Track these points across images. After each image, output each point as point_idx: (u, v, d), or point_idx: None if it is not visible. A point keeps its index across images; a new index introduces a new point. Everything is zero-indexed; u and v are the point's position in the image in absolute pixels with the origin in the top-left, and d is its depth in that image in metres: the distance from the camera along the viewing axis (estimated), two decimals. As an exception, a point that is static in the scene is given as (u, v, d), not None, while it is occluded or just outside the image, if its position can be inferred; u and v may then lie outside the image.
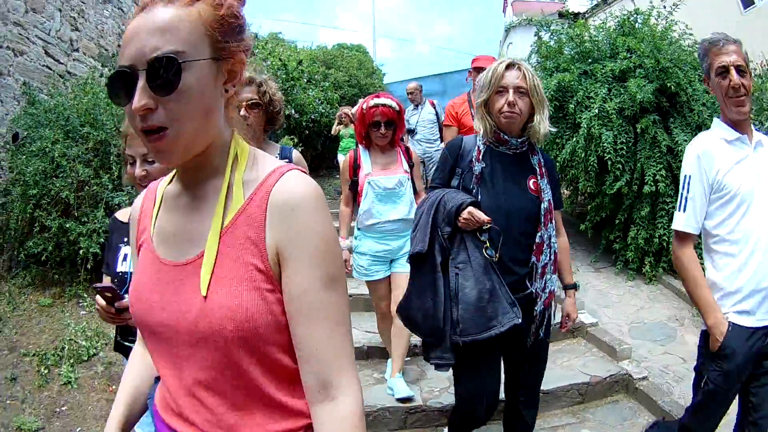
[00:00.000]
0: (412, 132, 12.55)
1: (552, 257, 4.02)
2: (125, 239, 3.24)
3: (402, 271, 5.51)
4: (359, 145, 5.98)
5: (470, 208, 3.69)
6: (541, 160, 4.08)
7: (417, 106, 13.06)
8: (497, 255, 3.71)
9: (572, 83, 8.93)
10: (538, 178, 3.99)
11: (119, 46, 9.17)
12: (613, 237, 9.05)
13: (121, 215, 3.63)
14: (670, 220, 8.16)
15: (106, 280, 3.40)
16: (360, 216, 5.72)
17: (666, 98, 8.46)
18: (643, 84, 8.08)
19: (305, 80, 16.94)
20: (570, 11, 11.73)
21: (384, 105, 5.46)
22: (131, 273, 2.72)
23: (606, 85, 8.62)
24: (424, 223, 3.92)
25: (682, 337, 7.13)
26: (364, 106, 5.57)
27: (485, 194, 3.87)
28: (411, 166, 5.85)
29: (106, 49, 12.68)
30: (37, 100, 8.91)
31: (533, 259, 3.92)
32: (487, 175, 3.92)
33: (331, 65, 22.87)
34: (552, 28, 10.64)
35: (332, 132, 15.93)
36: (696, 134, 8.09)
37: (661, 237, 8.27)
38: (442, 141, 11.88)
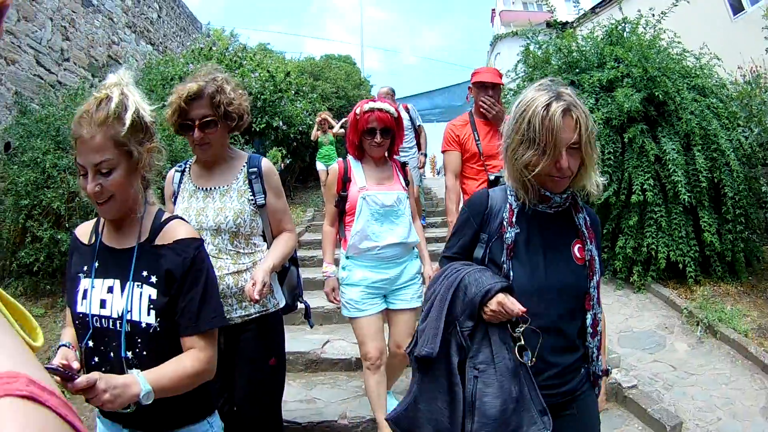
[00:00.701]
0: None
1: (600, 340, 3.09)
2: (85, 267, 2.74)
3: (403, 307, 4.96)
4: (349, 156, 5.16)
5: (500, 297, 2.68)
6: (587, 218, 3.09)
7: None
8: (534, 359, 2.74)
9: (560, 93, 8.92)
10: (586, 242, 3.03)
11: (110, 56, 9.16)
12: (601, 246, 9.01)
13: (82, 233, 2.92)
14: (659, 229, 8.20)
15: (67, 334, 2.87)
16: (351, 239, 4.82)
17: (654, 107, 8.47)
18: (631, 93, 8.09)
19: (293, 92, 16.94)
20: (558, 21, 11.68)
21: (380, 110, 4.77)
22: (94, 316, 2.62)
23: (593, 95, 8.64)
24: (436, 314, 2.90)
25: (672, 345, 7.13)
26: (358, 111, 4.84)
27: (520, 270, 2.88)
28: (407, 184, 5.12)
29: (96, 60, 12.68)
30: (29, 109, 8.92)
31: (588, 342, 3.02)
32: (522, 244, 2.93)
33: (318, 77, 22.93)
34: (539, 38, 10.66)
35: (311, 137, 15.95)
36: (684, 142, 8.19)
37: (649, 246, 8.28)
38: (419, 148, 12.27)
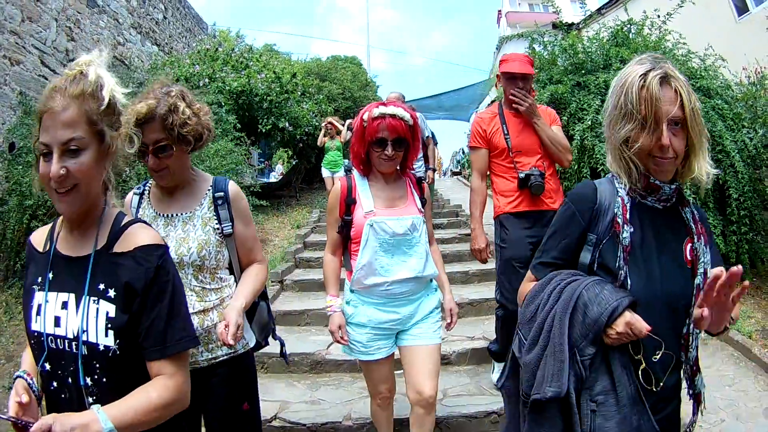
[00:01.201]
0: None
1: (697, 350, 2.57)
2: (39, 279, 2.37)
3: (420, 343, 4.15)
4: (354, 171, 4.32)
5: (627, 316, 2.22)
6: (695, 213, 2.66)
7: None
8: (662, 384, 2.39)
9: (565, 95, 8.96)
10: (695, 240, 2.56)
11: (115, 57, 9.16)
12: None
13: (37, 240, 2.57)
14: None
15: (25, 358, 2.50)
16: (356, 272, 4.02)
17: (659, 107, 8.44)
18: (636, 94, 8.04)
19: (299, 93, 16.91)
20: (564, 22, 11.70)
21: (393, 116, 3.88)
22: (48, 335, 2.26)
23: (599, 97, 8.63)
24: (558, 342, 2.36)
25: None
26: (365, 117, 3.93)
27: (635, 278, 2.42)
28: (423, 203, 4.23)
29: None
30: (33, 110, 8.93)
31: (683, 357, 2.50)
32: (637, 245, 2.47)
33: (325, 78, 22.92)
34: (545, 39, 10.66)
35: (318, 143, 15.66)
36: (689, 144, 8.20)
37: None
38: (426, 161, 11.76)
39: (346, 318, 4.20)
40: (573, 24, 17.20)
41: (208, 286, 3.40)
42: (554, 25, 14.39)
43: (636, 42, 9.26)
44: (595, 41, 9.94)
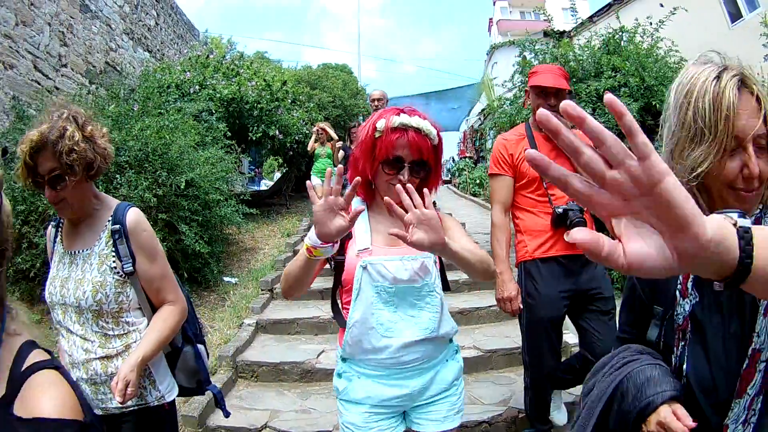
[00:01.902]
0: None
1: None
2: None
3: (435, 429, 3.05)
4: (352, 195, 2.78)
5: (662, 414, 1.82)
6: None
7: None
8: None
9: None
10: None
11: (107, 62, 9.14)
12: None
13: None
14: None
15: None
16: (348, 332, 2.94)
17: (651, 117, 8.46)
18: (628, 103, 8.06)
19: (290, 101, 16.86)
20: (555, 30, 11.70)
21: (417, 130, 2.80)
22: None
23: (590, 105, 8.62)
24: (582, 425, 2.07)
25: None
26: (380, 126, 2.82)
27: (700, 360, 1.89)
28: None
29: (93, 66, 12.67)
30: (26, 115, 8.89)
31: None
32: (701, 316, 1.92)
33: (315, 86, 22.91)
34: (536, 47, 10.66)
35: (308, 149, 15.08)
36: (681, 152, 8.18)
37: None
38: None
39: (339, 395, 3.07)
40: (564, 32, 17.24)
41: (110, 332, 3.00)
42: (545, 33, 14.40)
43: (628, 50, 9.27)
44: (586, 49, 9.95)
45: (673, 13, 9.61)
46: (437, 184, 3.08)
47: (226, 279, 9.70)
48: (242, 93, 14.55)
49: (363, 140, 2.87)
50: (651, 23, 9.79)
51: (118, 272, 2.99)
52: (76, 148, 2.83)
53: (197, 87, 14.19)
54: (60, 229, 3.23)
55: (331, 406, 5.92)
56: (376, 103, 10.26)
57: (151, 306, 3.15)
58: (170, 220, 8.15)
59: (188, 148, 9.20)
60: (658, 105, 8.14)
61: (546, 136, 4.69)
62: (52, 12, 11.28)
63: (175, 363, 3.29)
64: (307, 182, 2.53)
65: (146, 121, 9.11)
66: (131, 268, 3.01)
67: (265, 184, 28.84)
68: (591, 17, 19.20)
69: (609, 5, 19.86)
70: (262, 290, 9.30)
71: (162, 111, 10.88)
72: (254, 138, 15.09)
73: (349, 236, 2.99)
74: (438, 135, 2.93)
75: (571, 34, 15.65)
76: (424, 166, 2.85)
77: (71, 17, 11.86)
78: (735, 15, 16.71)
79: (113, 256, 3.00)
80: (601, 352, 4.00)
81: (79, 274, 2.98)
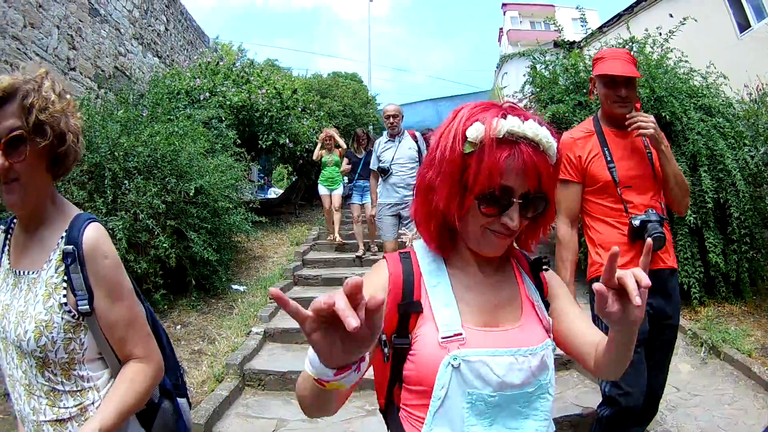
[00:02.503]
0: (385, 172, 9.30)
1: None
2: None
3: None
4: (414, 241, 2.22)
5: None
6: None
7: (394, 137, 9.33)
8: None
9: (567, 114, 8.92)
10: None
11: (116, 67, 9.14)
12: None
13: None
14: (665, 249, 8.12)
15: None
16: None
17: (661, 127, 8.40)
18: (638, 114, 8.02)
19: (300, 109, 16.89)
20: (565, 40, 11.67)
21: (533, 143, 1.76)
22: None
23: (599, 116, 8.58)
24: None
25: (675, 366, 7.04)
26: (474, 135, 1.75)
27: None
28: (547, 306, 2.07)
29: (102, 70, 12.69)
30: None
31: None
32: None
33: (325, 94, 22.93)
34: (546, 58, 10.64)
35: (314, 157, 13.98)
36: (691, 163, 8.12)
37: (654, 265, 8.14)
38: None
39: None
40: (574, 42, 17.21)
41: (60, 387, 2.19)
42: (556, 44, 14.37)
43: (638, 61, 9.24)
44: (596, 60, 9.93)
45: (683, 23, 9.58)
46: (551, 220, 2.06)
47: (235, 287, 9.69)
48: (252, 101, 14.57)
49: (443, 157, 1.85)
50: (660, 34, 9.76)
51: (70, 311, 2.15)
52: (50, 107, 2.10)
53: (207, 94, 14.22)
54: (9, 237, 2.38)
55: (338, 416, 5.84)
56: (391, 120, 9.62)
57: (116, 354, 2.27)
58: (179, 227, 8.15)
59: (198, 155, 9.23)
60: (668, 116, 8.09)
61: (618, 132, 4.08)
62: (61, 14, 11.30)
63: (151, 423, 2.40)
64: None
65: (155, 127, 9.14)
66: (87, 306, 2.15)
67: (274, 192, 28.85)
68: (601, 28, 19.16)
69: (619, 16, 19.82)
70: (270, 299, 9.23)
71: (171, 117, 10.89)
72: (264, 146, 15.11)
73: (419, 311, 1.89)
74: (558, 150, 1.87)
75: (581, 44, 15.62)
76: (542, 200, 1.84)
77: (80, 20, 11.87)
78: (743, 25, 16.64)
79: (64, 288, 2.17)
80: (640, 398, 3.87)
81: (21, 305, 2.19)
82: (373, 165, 9.83)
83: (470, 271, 1.97)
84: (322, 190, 13.69)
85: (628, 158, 4.02)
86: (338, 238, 13.12)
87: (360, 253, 12.37)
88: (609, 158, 3.97)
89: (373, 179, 10.07)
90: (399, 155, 9.49)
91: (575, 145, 4.04)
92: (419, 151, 9.43)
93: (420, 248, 2.03)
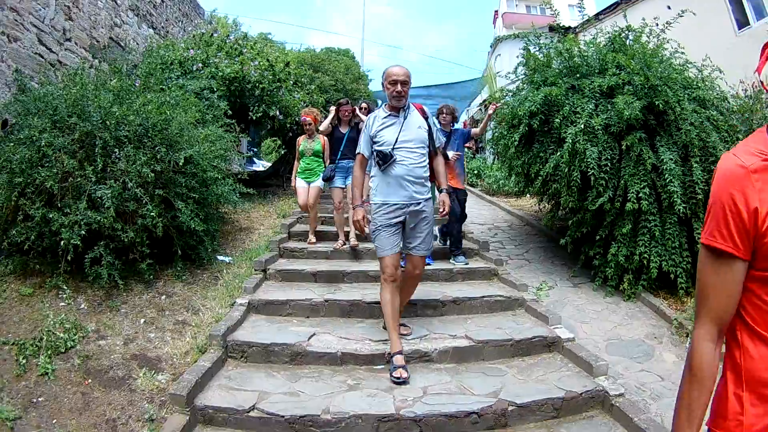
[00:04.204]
0: (385, 159, 6.62)
1: None
2: None
3: None
4: None
5: None
6: None
7: (398, 111, 7.09)
8: None
9: (559, 97, 8.94)
10: None
11: (111, 38, 9.10)
12: (593, 253, 9.08)
13: None
14: (652, 238, 8.16)
15: None
16: None
17: (654, 116, 8.45)
18: (631, 101, 8.05)
19: (291, 82, 16.78)
20: (561, 25, 11.66)
21: None
22: None
23: (593, 101, 8.64)
24: None
25: (660, 355, 7.11)
26: None
27: None
28: None
29: (97, 41, 12.63)
30: (28, 87, 8.86)
31: None
32: None
33: (318, 69, 22.94)
34: (541, 41, 10.64)
35: (321, 129, 11.57)
36: (683, 153, 8.15)
37: (641, 255, 8.24)
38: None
39: None
40: (570, 28, 17.21)
41: None
42: (551, 28, 14.38)
43: (633, 49, 9.24)
44: (591, 45, 9.94)
45: (681, 16, 9.57)
46: None
47: (220, 258, 9.68)
48: (245, 72, 14.47)
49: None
50: (657, 24, 9.76)
51: None
52: None
53: (200, 65, 14.13)
54: None
55: (320, 389, 5.91)
56: (399, 87, 6.63)
57: None
58: (167, 196, 8.09)
59: (188, 125, 9.15)
60: (661, 105, 8.11)
61: None
62: (59, -15, 11.15)
63: None
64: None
65: (148, 96, 9.04)
66: None
67: (263, 165, 28.86)
68: (597, 15, 19.20)
69: (616, 4, 19.80)
70: (255, 270, 9.26)
71: (164, 87, 10.87)
72: (254, 117, 15.02)
73: None
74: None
75: (577, 30, 15.65)
76: None
77: (77, -9, 11.82)
78: (742, 22, 16.66)
79: None
80: None
81: None
82: (364, 148, 6.91)
83: None
84: (300, 183, 11.43)
85: None
86: (310, 238, 11.33)
87: (338, 245, 10.71)
88: None
89: (359, 168, 6.97)
90: (406, 135, 6.68)
91: (748, 185, 1.99)
92: (430, 133, 6.89)
93: None
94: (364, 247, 10.45)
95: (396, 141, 6.57)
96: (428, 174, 6.79)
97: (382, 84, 6.87)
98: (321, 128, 11.52)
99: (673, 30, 9.63)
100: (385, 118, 6.76)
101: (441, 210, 6.77)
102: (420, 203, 6.56)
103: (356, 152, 6.98)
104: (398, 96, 6.60)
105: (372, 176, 6.89)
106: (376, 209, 6.65)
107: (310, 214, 11.41)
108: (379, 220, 6.58)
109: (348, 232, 10.82)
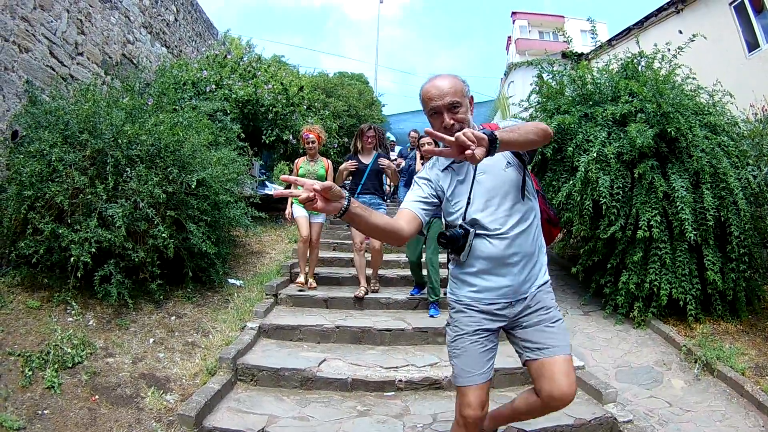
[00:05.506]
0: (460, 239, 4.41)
1: None
2: None
3: None
4: None
5: None
6: None
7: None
8: None
9: (572, 125, 8.94)
10: None
11: (123, 54, 9.16)
12: (603, 281, 9.02)
13: None
14: (663, 265, 8.12)
15: None
16: None
17: (665, 143, 8.42)
18: (644, 129, 8.04)
19: (305, 107, 16.80)
20: (573, 52, 11.68)
21: None
22: None
23: (606, 129, 8.62)
24: None
25: (669, 382, 7.07)
26: None
27: None
28: None
29: (110, 57, 12.69)
30: (39, 99, 8.87)
31: None
32: None
33: (331, 93, 22.92)
34: (554, 69, 10.64)
35: (341, 168, 9.84)
36: (693, 180, 8.14)
37: (652, 282, 8.19)
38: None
39: None
40: (582, 54, 17.23)
41: None
42: (564, 54, 14.41)
43: (645, 75, 9.24)
44: (604, 72, 9.93)
45: (692, 40, 9.57)
46: None
47: (231, 281, 9.68)
48: (258, 95, 14.52)
49: None
50: (669, 49, 9.76)
51: None
52: None
53: (213, 86, 14.18)
54: None
55: (330, 415, 5.91)
56: (446, 117, 3.78)
57: None
58: (178, 218, 8.10)
59: (201, 146, 9.17)
60: (673, 132, 8.10)
61: None
62: (72, -2, 11.21)
63: None
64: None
65: (160, 116, 9.06)
66: None
67: (274, 189, 28.98)
68: (610, 41, 19.20)
69: (628, 30, 19.81)
70: (266, 295, 9.26)
71: (177, 107, 10.86)
72: (268, 141, 15.05)
73: None
74: None
75: (590, 56, 15.64)
76: None
77: (90, 5, 11.82)
78: (753, 45, 16.64)
79: None
80: None
81: None
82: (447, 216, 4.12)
83: None
84: (299, 211, 10.06)
85: None
86: (311, 282, 9.95)
87: (361, 293, 9.36)
88: None
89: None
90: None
91: None
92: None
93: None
94: (385, 297, 9.53)
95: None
96: None
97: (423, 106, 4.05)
98: (341, 168, 9.84)
99: (684, 54, 9.63)
100: (446, 168, 4.05)
101: None
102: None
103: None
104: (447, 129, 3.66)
105: None
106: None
107: (311, 254, 10.09)
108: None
109: (369, 277, 9.91)
